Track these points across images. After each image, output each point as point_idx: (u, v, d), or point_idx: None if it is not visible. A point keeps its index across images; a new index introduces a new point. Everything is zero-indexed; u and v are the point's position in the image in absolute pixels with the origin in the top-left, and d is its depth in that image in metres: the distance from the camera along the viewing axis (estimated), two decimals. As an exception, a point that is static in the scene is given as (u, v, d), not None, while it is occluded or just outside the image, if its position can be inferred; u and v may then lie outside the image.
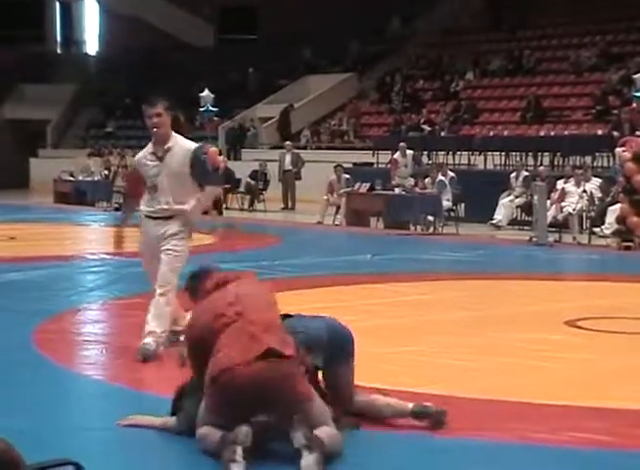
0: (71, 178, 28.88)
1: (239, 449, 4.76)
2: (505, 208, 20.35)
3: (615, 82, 26.37)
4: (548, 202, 17.42)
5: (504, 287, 11.80)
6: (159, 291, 7.46)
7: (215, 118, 27.27)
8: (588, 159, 22.25)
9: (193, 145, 7.62)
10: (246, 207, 25.87)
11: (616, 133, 22.15)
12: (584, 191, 17.93)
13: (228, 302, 5.25)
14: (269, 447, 4.94)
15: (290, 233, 19.22)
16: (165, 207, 7.53)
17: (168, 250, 7.52)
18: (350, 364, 5.59)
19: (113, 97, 41.09)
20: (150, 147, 7.68)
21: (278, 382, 4.94)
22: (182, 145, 7.57)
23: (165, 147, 7.54)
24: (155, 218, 7.57)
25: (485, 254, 15.30)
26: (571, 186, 18.12)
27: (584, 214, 17.98)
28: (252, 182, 26.20)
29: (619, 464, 5.06)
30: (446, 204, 19.95)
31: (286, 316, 5.45)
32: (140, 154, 7.80)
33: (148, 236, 7.63)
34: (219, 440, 4.88)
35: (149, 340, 7.38)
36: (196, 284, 5.67)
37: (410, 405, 5.57)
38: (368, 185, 20.80)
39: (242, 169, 27.10)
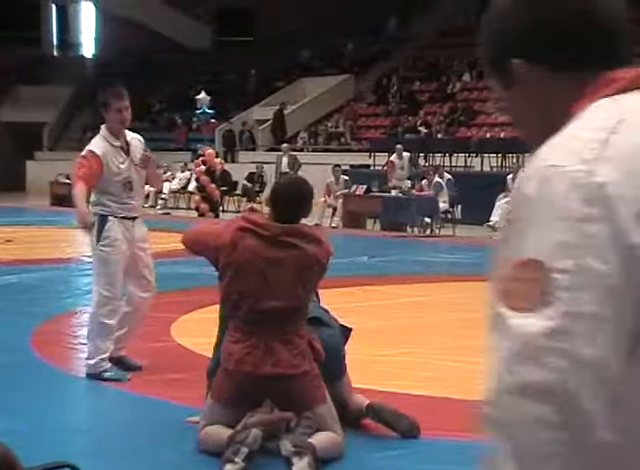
0: (68, 181, 28.78)
1: (243, 450, 4.71)
2: (502, 209, 20.34)
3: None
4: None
5: (501, 289, 11.77)
6: (147, 298, 7.26)
7: (212, 121, 27.22)
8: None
9: (138, 136, 7.33)
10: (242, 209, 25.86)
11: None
12: (581, 192, 17.92)
13: (259, 269, 5.04)
14: (269, 447, 4.92)
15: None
16: (141, 202, 7.24)
17: (148, 255, 7.21)
18: (344, 380, 5.49)
19: (109, 99, 41.03)
20: (111, 140, 7.08)
21: (289, 396, 4.93)
22: (133, 136, 7.26)
23: (127, 140, 7.17)
24: (133, 219, 7.09)
25: (482, 255, 15.27)
26: (567, 188, 18.12)
27: (581, 216, 17.96)
28: (249, 185, 26.19)
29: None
30: (443, 206, 19.96)
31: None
32: (101, 148, 7.01)
33: (126, 240, 7.03)
34: (228, 438, 4.81)
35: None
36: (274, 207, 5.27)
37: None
38: (365, 187, 20.80)
39: (238, 172, 27.12)
